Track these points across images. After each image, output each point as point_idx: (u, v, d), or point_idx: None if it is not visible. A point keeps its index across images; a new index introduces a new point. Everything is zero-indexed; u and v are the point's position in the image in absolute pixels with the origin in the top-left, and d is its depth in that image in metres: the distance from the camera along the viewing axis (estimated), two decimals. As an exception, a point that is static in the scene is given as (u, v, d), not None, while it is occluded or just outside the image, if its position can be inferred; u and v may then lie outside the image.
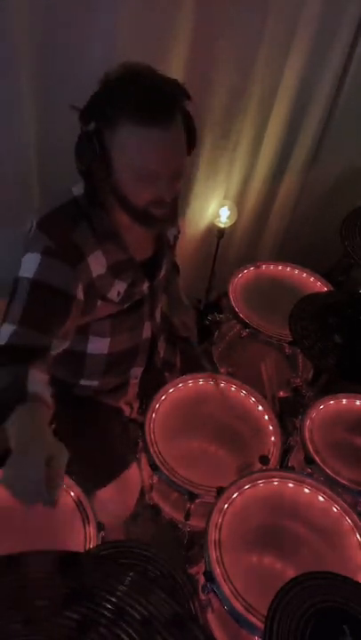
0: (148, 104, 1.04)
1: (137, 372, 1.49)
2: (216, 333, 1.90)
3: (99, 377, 1.42)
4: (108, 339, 1.35)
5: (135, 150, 1.07)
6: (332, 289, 1.88)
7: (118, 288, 1.26)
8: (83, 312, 1.21)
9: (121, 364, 1.43)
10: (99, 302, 1.24)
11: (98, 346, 1.36)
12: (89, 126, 1.09)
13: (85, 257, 1.16)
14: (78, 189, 1.20)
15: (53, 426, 1.21)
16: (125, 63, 1.07)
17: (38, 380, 1.05)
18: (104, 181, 1.14)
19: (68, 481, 1.18)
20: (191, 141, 1.15)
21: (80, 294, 1.17)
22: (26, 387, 1.01)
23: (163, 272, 1.40)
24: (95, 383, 1.43)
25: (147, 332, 1.43)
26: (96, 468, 1.34)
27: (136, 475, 1.42)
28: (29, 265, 1.13)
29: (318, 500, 1.25)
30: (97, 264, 1.19)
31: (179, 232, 1.49)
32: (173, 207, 1.20)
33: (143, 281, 1.32)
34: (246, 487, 1.23)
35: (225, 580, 1.08)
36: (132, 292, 1.30)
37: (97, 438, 1.41)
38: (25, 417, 0.97)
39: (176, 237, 1.49)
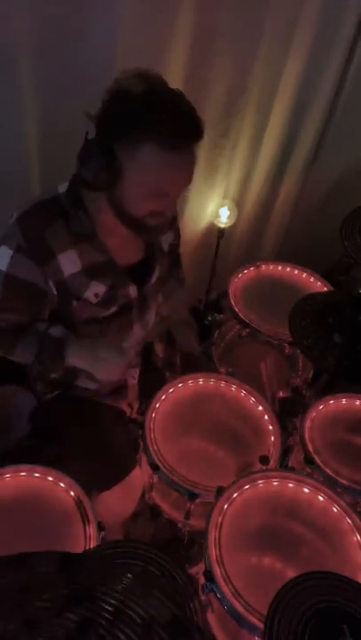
0: (182, 132, 1.04)
1: (133, 372, 1.49)
2: (216, 333, 1.90)
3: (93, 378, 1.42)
4: None
5: (155, 171, 1.08)
6: (332, 289, 1.87)
7: (96, 290, 1.26)
8: (59, 306, 1.26)
9: None
10: (74, 302, 1.25)
11: None
12: (104, 137, 1.07)
13: (55, 255, 1.18)
14: (63, 187, 1.21)
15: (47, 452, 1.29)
16: (138, 72, 1.05)
17: (55, 325, 1.26)
18: (104, 189, 1.13)
19: (68, 481, 1.18)
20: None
21: (52, 289, 1.23)
22: (51, 335, 1.25)
23: (154, 278, 1.39)
24: (93, 385, 1.43)
25: (137, 334, 1.42)
26: (99, 471, 1.35)
27: (138, 475, 1.42)
28: (3, 258, 1.19)
29: (318, 500, 1.25)
30: (69, 263, 1.21)
31: (177, 238, 1.48)
32: (168, 218, 1.21)
33: (127, 285, 1.31)
34: (246, 487, 1.23)
35: (225, 580, 1.08)
36: (115, 294, 1.30)
37: (99, 440, 1.41)
38: (77, 342, 1.26)
39: (175, 245, 1.47)
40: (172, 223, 1.41)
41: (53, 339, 1.25)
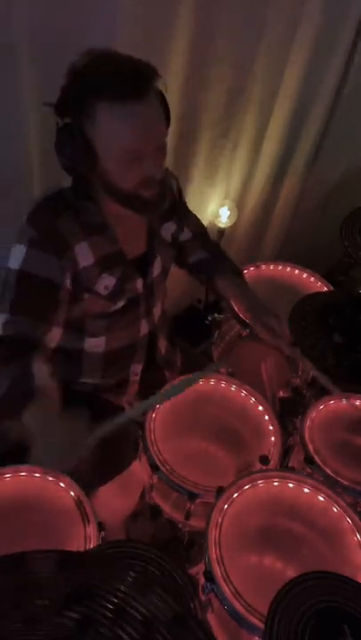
0: (121, 80, 1.05)
1: (137, 368, 1.49)
2: (216, 333, 1.90)
3: (98, 374, 1.42)
4: (104, 337, 1.35)
5: (115, 131, 1.08)
6: (332, 289, 1.88)
7: (106, 282, 1.26)
8: (71, 302, 1.23)
9: (120, 361, 1.44)
10: (86, 295, 1.25)
11: (94, 344, 1.36)
12: (66, 119, 1.10)
13: (72, 246, 1.18)
14: (68, 183, 1.21)
15: None
16: (89, 50, 1.08)
17: (43, 372, 1.08)
18: (90, 172, 1.14)
19: (67, 480, 1.18)
20: (167, 118, 1.17)
21: (67, 283, 1.20)
22: (33, 381, 1.05)
23: (158, 270, 1.39)
24: (96, 380, 1.43)
25: (144, 329, 1.43)
26: (97, 465, 1.34)
27: (138, 474, 1.42)
28: (16, 256, 1.16)
29: (318, 500, 1.25)
30: (84, 255, 1.20)
31: (176, 228, 1.46)
32: (162, 188, 1.20)
33: (135, 278, 1.32)
34: (246, 487, 1.23)
35: (225, 580, 1.08)
36: (123, 288, 1.30)
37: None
38: (41, 408, 1.04)
39: (176, 235, 1.47)
40: (172, 213, 1.40)
41: (33, 385, 1.07)
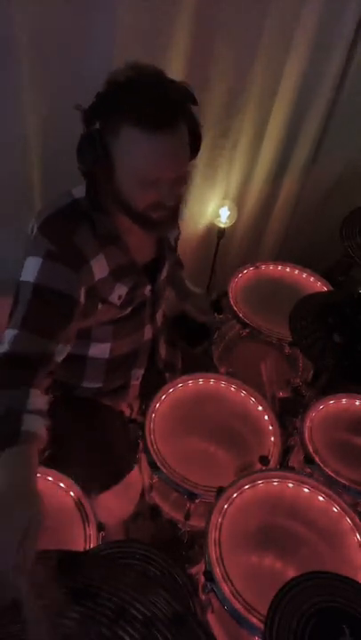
0: (153, 112, 1.03)
1: (138, 373, 1.49)
2: (216, 333, 1.90)
3: (100, 379, 1.42)
4: (110, 343, 1.35)
5: (137, 156, 1.07)
6: (332, 289, 1.88)
7: (119, 292, 1.25)
8: (83, 315, 1.20)
9: (122, 367, 1.43)
10: (99, 306, 1.24)
11: (99, 350, 1.36)
12: (92, 128, 1.09)
13: (89, 260, 1.16)
14: (78, 191, 1.19)
15: (47, 453, 1.18)
16: (133, 64, 1.06)
17: (37, 408, 1.03)
18: (106, 184, 1.13)
19: (68, 481, 1.18)
20: (196, 146, 1.15)
21: (82, 298, 1.17)
22: (20, 424, 0.99)
23: (164, 274, 1.39)
24: (97, 385, 1.43)
25: (147, 334, 1.43)
26: (97, 471, 1.34)
27: (137, 475, 1.42)
28: (31, 269, 1.12)
29: (318, 500, 1.25)
30: (99, 268, 1.19)
31: (179, 233, 1.49)
32: (174, 211, 1.18)
33: (145, 284, 1.32)
34: (246, 487, 1.23)
35: (225, 580, 1.08)
36: (134, 295, 1.30)
37: (98, 440, 1.41)
38: (12, 464, 0.96)
39: (177, 239, 1.49)
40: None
41: (19, 429, 1.00)
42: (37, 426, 1.02)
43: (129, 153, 1.07)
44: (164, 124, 1.04)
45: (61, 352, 1.16)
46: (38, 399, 1.05)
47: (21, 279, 1.14)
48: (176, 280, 1.61)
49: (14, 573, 0.81)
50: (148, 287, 1.33)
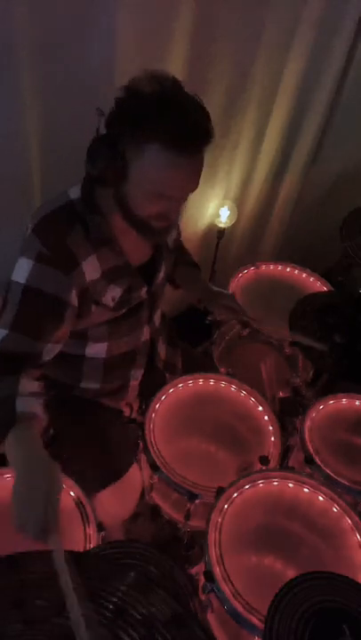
0: (187, 139, 1.05)
1: (137, 373, 1.49)
2: (216, 333, 1.90)
3: (98, 380, 1.42)
4: (106, 343, 1.35)
5: (158, 172, 1.07)
6: (332, 289, 1.88)
7: (113, 293, 1.25)
8: (77, 317, 1.21)
9: (120, 367, 1.43)
10: (93, 307, 1.24)
11: (96, 350, 1.35)
12: (112, 133, 1.08)
13: (80, 262, 1.16)
14: (74, 192, 1.19)
15: (51, 431, 1.22)
16: (152, 73, 1.05)
17: (28, 391, 1.07)
18: (111, 188, 1.13)
19: (68, 481, 1.18)
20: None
21: (74, 300, 1.17)
22: (14, 407, 1.04)
23: (161, 276, 1.39)
24: (95, 386, 1.43)
25: (145, 335, 1.42)
26: (97, 470, 1.35)
27: (137, 475, 1.42)
28: (22, 270, 1.13)
29: (318, 500, 1.25)
30: (91, 269, 1.19)
31: (179, 234, 1.49)
32: (174, 222, 1.21)
33: (141, 286, 1.31)
34: (246, 487, 1.23)
35: (225, 580, 1.08)
36: (129, 297, 1.29)
37: (98, 440, 1.41)
38: (21, 440, 1.02)
39: (176, 239, 1.48)
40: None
41: (14, 412, 1.04)
42: (31, 405, 1.06)
43: (151, 169, 1.07)
44: (191, 150, 1.07)
45: (51, 351, 1.18)
46: (28, 384, 1.09)
47: (12, 278, 1.15)
48: (200, 284, 1.62)
49: (47, 531, 0.90)
50: (145, 289, 1.33)
